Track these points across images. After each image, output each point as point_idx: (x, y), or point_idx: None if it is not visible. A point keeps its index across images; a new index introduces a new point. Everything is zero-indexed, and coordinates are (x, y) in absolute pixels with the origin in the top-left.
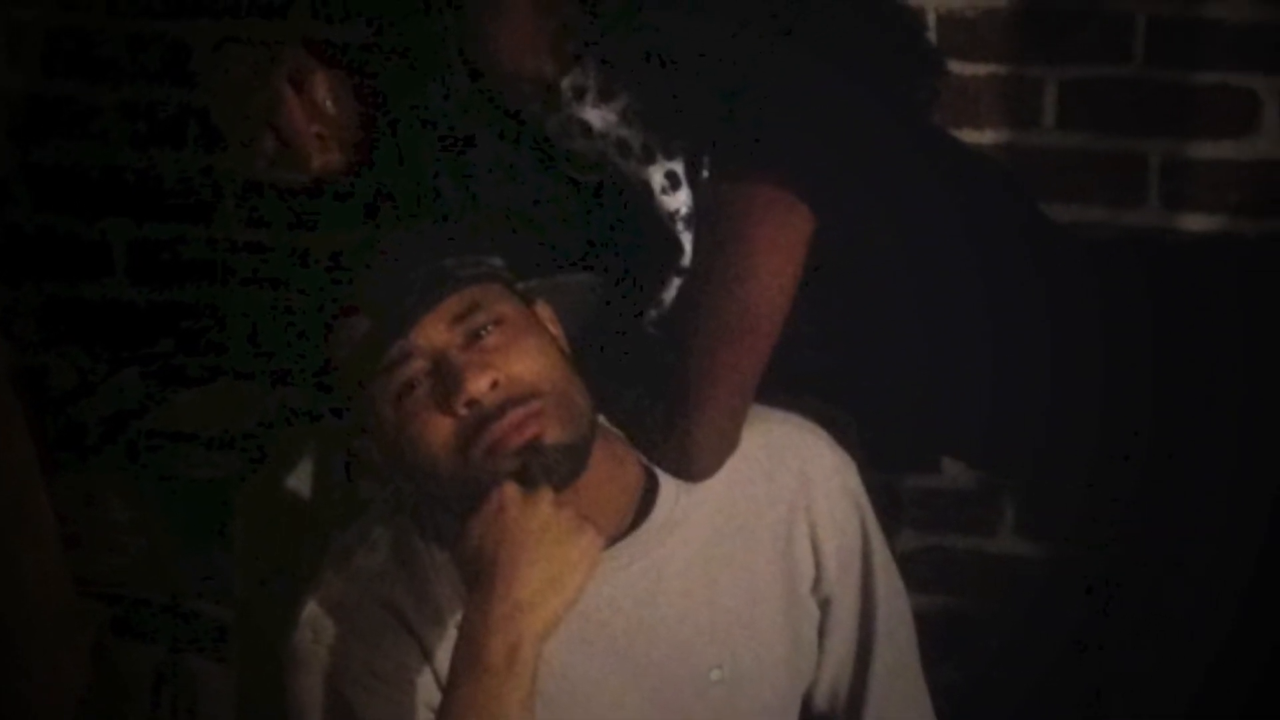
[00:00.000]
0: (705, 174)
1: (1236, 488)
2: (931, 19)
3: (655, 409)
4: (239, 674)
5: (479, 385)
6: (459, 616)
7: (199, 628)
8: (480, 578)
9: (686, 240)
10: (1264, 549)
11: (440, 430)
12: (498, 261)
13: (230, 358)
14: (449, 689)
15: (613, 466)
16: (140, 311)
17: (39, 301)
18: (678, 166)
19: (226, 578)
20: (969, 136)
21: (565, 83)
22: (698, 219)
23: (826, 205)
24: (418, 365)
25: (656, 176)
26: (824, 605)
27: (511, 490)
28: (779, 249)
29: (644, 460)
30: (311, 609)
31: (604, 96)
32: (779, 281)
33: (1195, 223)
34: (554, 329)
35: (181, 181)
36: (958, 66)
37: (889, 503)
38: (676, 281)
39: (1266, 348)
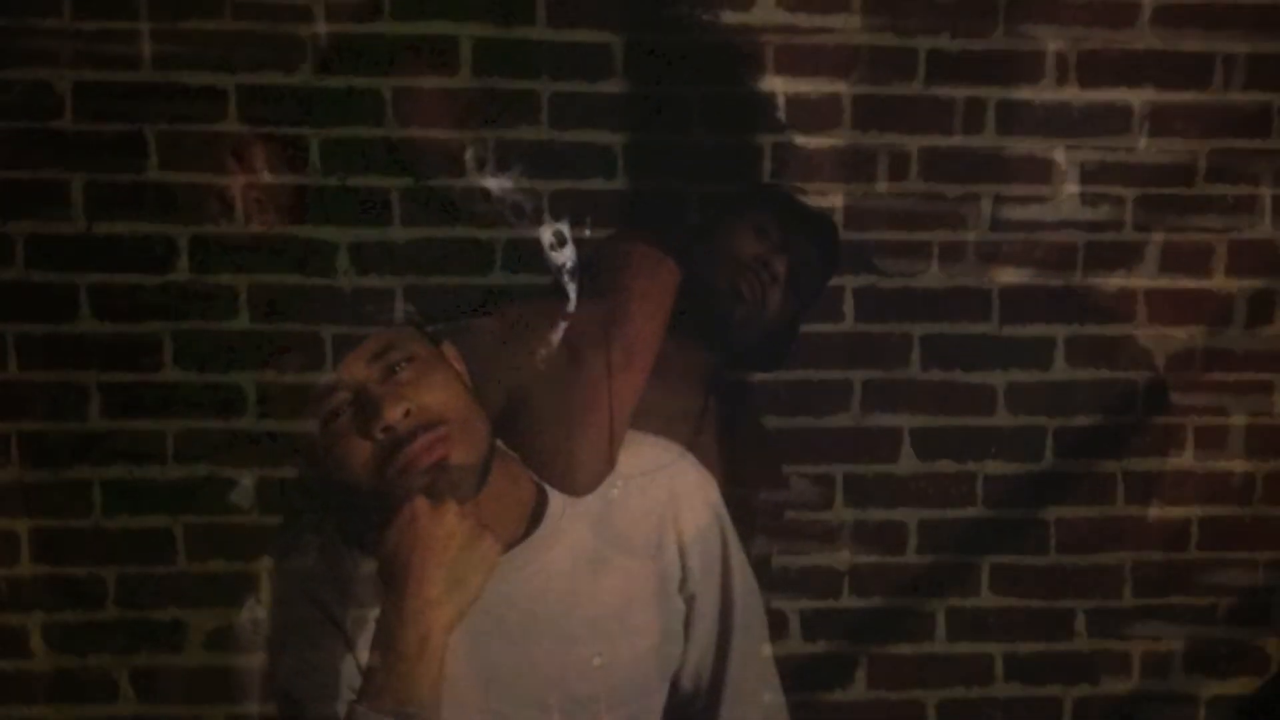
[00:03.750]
0: (587, 233)
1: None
2: (781, 101)
3: (545, 434)
4: (191, 660)
5: (394, 414)
6: (377, 611)
7: (156, 622)
8: (395, 578)
9: (572, 289)
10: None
11: (361, 452)
12: (410, 308)
13: (182, 388)
14: (368, 674)
15: (509, 483)
16: (106, 347)
17: (20, 340)
18: (564, 227)
19: (180, 577)
20: (814, 199)
21: (468, 155)
22: (581, 271)
23: (690, 259)
24: (341, 396)
25: (546, 235)
26: (689, 601)
27: (422, 503)
28: (650, 297)
29: (535, 478)
30: (251, 604)
31: (501, 167)
32: (651, 325)
33: (1007, 275)
34: (459, 365)
35: (141, 238)
36: (803, 140)
37: (744, 514)
38: (563, 325)
39: (1086, 378)
